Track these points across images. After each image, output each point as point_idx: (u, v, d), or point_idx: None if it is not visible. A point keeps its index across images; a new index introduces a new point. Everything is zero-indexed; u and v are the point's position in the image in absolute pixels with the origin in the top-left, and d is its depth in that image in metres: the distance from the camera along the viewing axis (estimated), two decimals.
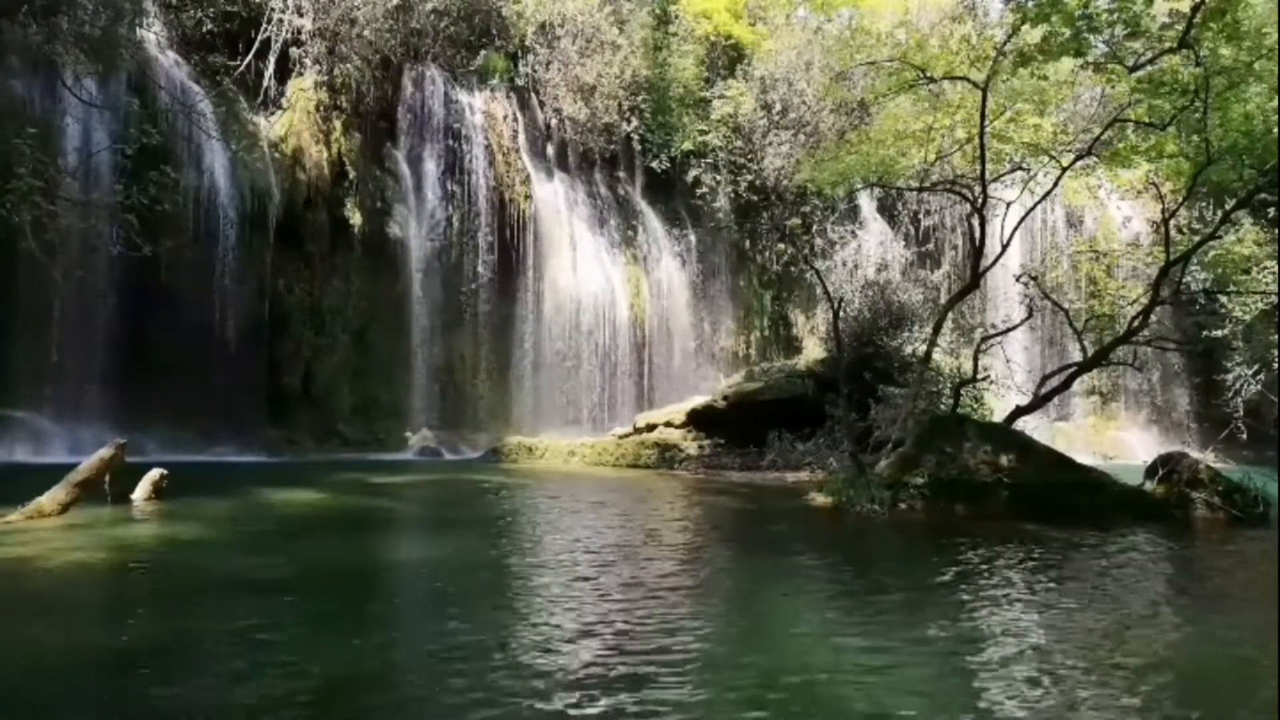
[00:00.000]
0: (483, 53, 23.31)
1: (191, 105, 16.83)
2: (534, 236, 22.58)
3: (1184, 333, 21.40)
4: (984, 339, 15.03)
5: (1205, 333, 19.92)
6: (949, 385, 14.84)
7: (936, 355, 14.54)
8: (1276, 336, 17.45)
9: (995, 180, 13.71)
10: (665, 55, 25.69)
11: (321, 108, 19.83)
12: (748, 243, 26.56)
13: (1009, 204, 13.68)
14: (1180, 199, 14.00)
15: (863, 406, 14.03)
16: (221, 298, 17.33)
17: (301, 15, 19.59)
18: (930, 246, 27.61)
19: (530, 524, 9.36)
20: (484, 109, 22.51)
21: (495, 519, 9.53)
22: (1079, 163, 13.24)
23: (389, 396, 20.22)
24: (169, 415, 15.40)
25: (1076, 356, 15.03)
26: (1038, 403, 12.76)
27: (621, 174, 25.71)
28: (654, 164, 25.25)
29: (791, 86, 25.59)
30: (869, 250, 25.45)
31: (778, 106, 25.62)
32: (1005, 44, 11.74)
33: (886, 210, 27.80)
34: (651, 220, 25.57)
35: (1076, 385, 19.62)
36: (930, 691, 3.83)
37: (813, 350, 23.96)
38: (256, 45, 18.95)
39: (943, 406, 14.10)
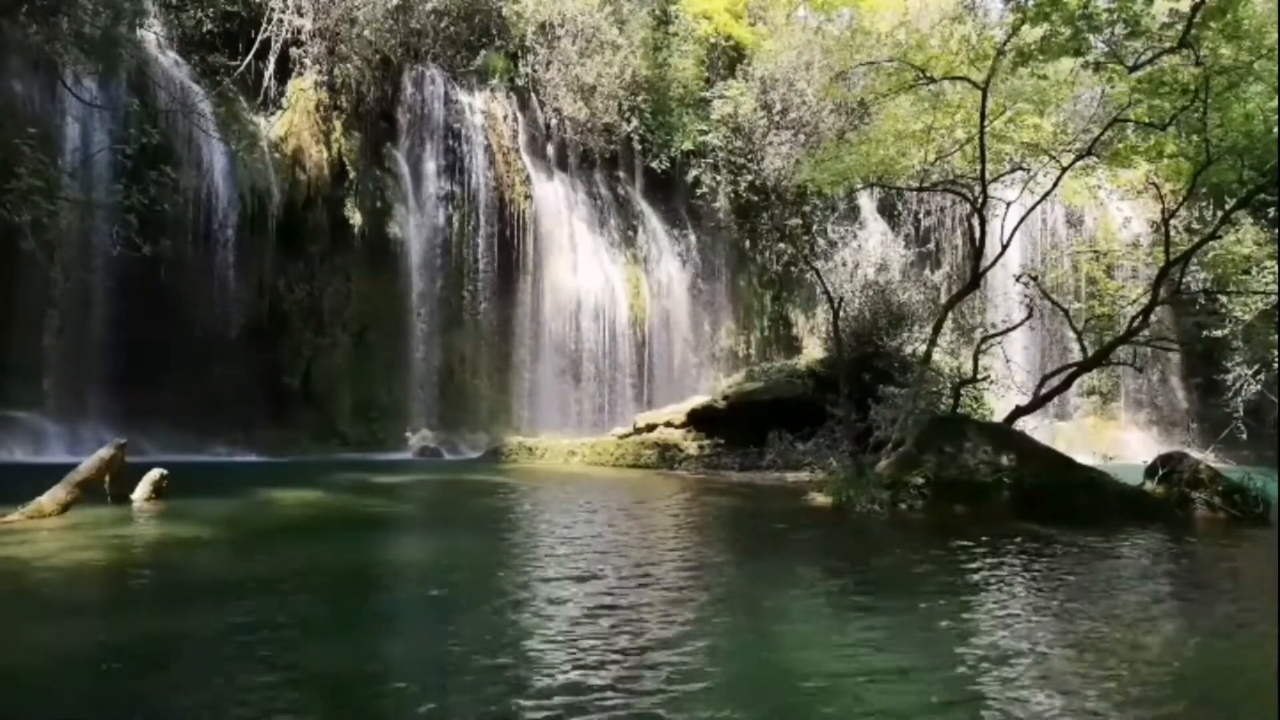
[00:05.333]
0: (483, 53, 23.32)
1: (191, 105, 16.84)
2: (534, 236, 22.58)
3: (1184, 333, 21.37)
4: (984, 339, 15.01)
5: (1205, 333, 19.90)
6: (949, 385, 14.81)
7: (936, 355, 14.52)
8: (1276, 336, 17.44)
9: (995, 180, 13.70)
10: (665, 55, 25.69)
11: (321, 108, 19.85)
12: (748, 243, 26.56)
13: (1009, 204, 13.68)
14: (1180, 199, 13.99)
15: (863, 406, 14.02)
16: (221, 298, 17.35)
17: (301, 15, 19.60)
18: (930, 246, 27.62)
19: (529, 525, 9.35)
20: (484, 109, 22.52)
21: (495, 520, 9.53)
22: (1079, 163, 13.22)
23: (389, 396, 20.22)
24: (169, 415, 15.40)
25: (1076, 356, 15.02)
26: (1038, 403, 12.75)
27: (621, 174, 25.71)
28: (654, 164, 25.26)
29: (791, 86, 25.59)
30: (869, 250, 25.39)
31: (778, 106, 25.61)
32: (1005, 44, 11.73)
33: (886, 210, 27.81)
34: (651, 220, 25.57)
35: (1076, 385, 19.62)
36: (931, 692, 3.83)
37: (813, 350, 23.96)
38: (256, 45, 18.96)
39: (943, 406, 14.07)
